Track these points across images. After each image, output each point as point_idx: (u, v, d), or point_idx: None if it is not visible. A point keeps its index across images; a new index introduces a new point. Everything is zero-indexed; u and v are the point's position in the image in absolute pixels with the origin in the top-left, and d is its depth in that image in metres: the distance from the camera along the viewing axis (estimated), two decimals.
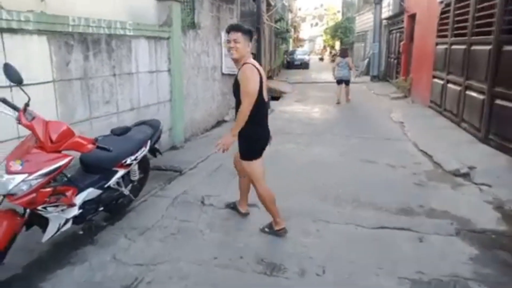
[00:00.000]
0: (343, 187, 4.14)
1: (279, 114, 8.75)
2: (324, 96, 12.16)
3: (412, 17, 11.33)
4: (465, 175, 4.54)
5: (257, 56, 9.71)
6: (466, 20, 6.64)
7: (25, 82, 2.43)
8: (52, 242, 2.79)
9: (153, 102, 5.16)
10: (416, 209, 3.64)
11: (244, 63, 2.76)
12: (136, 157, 3.07)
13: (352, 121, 8.17)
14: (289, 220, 3.25)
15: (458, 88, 6.96)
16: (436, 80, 8.43)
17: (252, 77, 2.70)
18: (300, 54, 30.65)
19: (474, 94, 6.21)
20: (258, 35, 9.94)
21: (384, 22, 16.20)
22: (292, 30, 41.25)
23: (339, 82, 10.70)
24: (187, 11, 6.44)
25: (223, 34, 7.61)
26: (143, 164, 3.50)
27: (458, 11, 7.10)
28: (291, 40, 41.20)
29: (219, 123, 7.66)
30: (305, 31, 64.72)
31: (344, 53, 11.06)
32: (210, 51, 7.14)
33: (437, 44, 8.38)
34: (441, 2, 8.12)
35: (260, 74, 2.78)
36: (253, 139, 2.90)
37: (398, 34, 13.79)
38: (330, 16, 51.84)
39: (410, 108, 9.46)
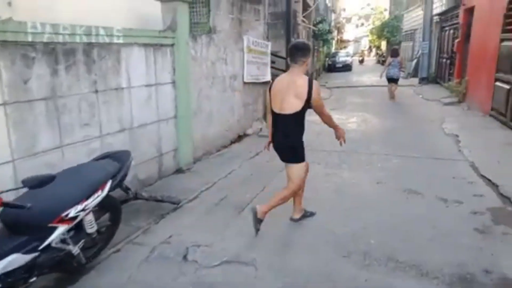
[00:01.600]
0: (375, 235, 3.13)
1: (308, 126, 7.70)
2: (364, 102, 10.94)
3: (470, 11, 9.84)
4: None
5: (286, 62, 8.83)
6: None
7: None
8: None
9: (151, 121, 4.46)
10: (479, 276, 2.57)
11: None
12: (86, 206, 2.32)
13: (394, 134, 6.99)
14: None
15: None
16: (499, 83, 7.03)
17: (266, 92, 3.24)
18: (342, 56, 29.16)
19: None
20: (287, 36, 9.04)
21: (436, 18, 14.57)
22: (335, 31, 39.78)
23: (390, 80, 11.01)
24: (201, 13, 5.72)
25: (245, 39, 6.83)
26: (110, 209, 2.76)
27: None
28: (334, 42, 39.77)
29: (240, 137, 6.85)
30: (350, 32, 62.42)
31: (395, 53, 11.38)
32: (229, 59, 6.35)
33: (502, 40, 6.99)
34: None
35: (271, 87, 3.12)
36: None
37: (451, 31, 12.20)
38: (377, 16, 49.40)
39: (466, 116, 8.06)
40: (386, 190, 4.21)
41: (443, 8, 13.28)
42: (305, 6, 15.36)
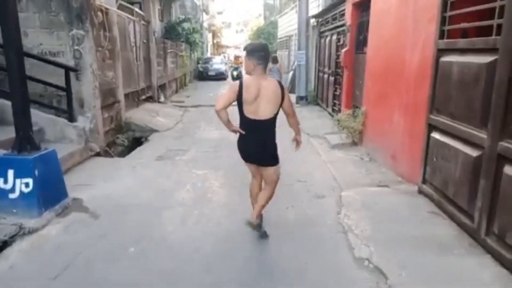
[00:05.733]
0: None
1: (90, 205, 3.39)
2: (221, 139, 6.94)
3: (362, 4, 6.65)
4: None
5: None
6: None
7: None
8: None
9: None
10: None
11: None
12: None
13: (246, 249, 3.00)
14: None
15: None
16: (438, 135, 3.66)
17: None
18: (216, 63, 25.47)
19: None
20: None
21: (313, 21, 11.59)
22: (209, 34, 36.12)
23: None
24: None
25: None
26: None
27: None
28: (209, 46, 36.10)
29: None
30: (229, 38, 60.00)
31: (274, 60, 12.33)
32: None
33: (441, 53, 3.61)
34: None
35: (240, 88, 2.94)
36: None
37: (334, 37, 9.09)
38: (254, 22, 47.61)
39: (374, 186, 4.54)
40: None
41: (321, 8, 10.27)
42: None
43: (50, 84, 5.44)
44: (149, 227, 3.54)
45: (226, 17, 59.49)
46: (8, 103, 4.16)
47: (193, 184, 4.64)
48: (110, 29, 6.70)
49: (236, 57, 20.35)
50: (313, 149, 6.35)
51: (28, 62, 5.44)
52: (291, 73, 14.50)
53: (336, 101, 8.77)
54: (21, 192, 3.63)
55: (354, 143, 6.24)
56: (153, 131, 7.58)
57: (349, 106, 7.29)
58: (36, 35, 5.53)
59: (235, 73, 18.40)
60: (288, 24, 17.59)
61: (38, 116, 5.57)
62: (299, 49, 11.70)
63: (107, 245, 3.24)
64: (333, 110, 8.90)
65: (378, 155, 5.40)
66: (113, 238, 3.37)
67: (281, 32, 20.45)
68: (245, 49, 3.09)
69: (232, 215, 3.79)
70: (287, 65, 17.14)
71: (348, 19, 7.50)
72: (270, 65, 12.44)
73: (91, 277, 2.79)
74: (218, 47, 43.49)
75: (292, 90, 13.27)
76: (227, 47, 56.54)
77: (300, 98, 11.43)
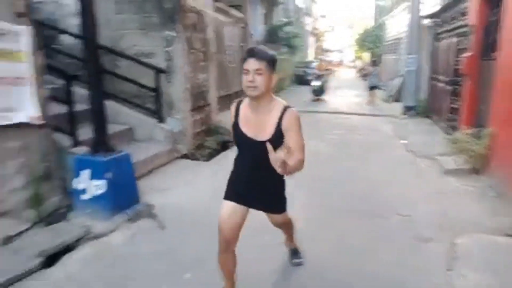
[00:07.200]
0: None
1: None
2: (310, 150, 6.29)
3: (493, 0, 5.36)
4: None
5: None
6: None
7: None
8: None
9: None
10: None
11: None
12: None
13: None
14: None
15: None
16: None
17: None
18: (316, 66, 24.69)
19: None
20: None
21: (427, 22, 10.13)
22: (312, 38, 35.49)
23: (371, 88, 13.13)
24: None
25: None
26: None
27: None
28: (312, 51, 35.46)
29: None
30: (333, 41, 58.39)
31: (374, 63, 15.25)
32: None
33: None
34: None
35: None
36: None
37: (453, 40, 7.67)
38: (360, 24, 45.40)
39: (503, 235, 3.40)
40: None
41: (439, 6, 8.85)
42: None
43: (142, 85, 5.48)
44: (214, 248, 3.13)
45: (331, 20, 58.00)
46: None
47: None
48: (204, 31, 6.60)
49: (323, 62, 15.96)
50: (419, 172, 5.30)
51: (124, 63, 5.63)
52: (398, 80, 13.07)
53: (452, 115, 7.36)
54: (94, 194, 3.56)
55: (475, 171, 5.00)
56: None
57: (470, 123, 5.96)
58: (131, 37, 5.65)
59: (316, 84, 13.44)
60: (398, 25, 16.01)
61: (129, 115, 5.68)
62: (409, 53, 10.35)
63: (163, 266, 2.92)
64: (447, 126, 7.51)
65: (509, 190, 4.16)
66: (173, 257, 3.05)
67: (389, 34, 18.81)
68: (261, 55, 2.00)
69: (303, 243, 3.15)
70: (393, 70, 15.59)
71: (472, 17, 6.16)
72: (370, 68, 13.62)
73: None
74: (320, 51, 42.53)
75: (398, 99, 11.94)
76: (330, 50, 55.11)
77: (407, 109, 10.09)
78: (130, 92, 5.68)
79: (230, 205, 2.29)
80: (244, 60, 2.02)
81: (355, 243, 3.24)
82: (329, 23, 57.09)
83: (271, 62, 2.02)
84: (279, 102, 2.13)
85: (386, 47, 19.61)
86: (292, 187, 4.39)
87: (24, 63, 3.20)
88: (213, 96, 7.47)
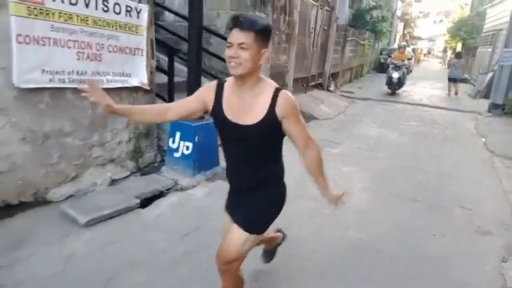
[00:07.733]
0: None
1: None
2: (382, 137, 6.34)
3: None
4: None
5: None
6: None
7: None
8: None
9: None
10: None
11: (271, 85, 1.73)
12: None
13: None
14: None
15: None
16: None
17: None
18: None
19: None
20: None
21: None
22: (401, 24, 33.49)
23: (451, 80, 12.87)
24: None
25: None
26: None
27: None
28: (397, 36, 33.52)
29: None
30: (424, 29, 54.24)
31: (458, 55, 13.70)
32: None
33: None
34: None
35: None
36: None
37: None
38: (457, 12, 41.41)
39: None
40: None
41: None
42: None
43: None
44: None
45: (425, 6, 53.72)
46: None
47: (333, 180, 4.39)
48: (291, 13, 6.90)
49: (402, 49, 13.26)
50: (493, 171, 5.15)
51: (215, 41, 6.20)
52: (489, 74, 12.09)
53: None
54: (183, 153, 4.19)
55: None
56: (312, 118, 7.59)
57: None
58: (226, 16, 6.17)
59: (395, 75, 11.86)
60: (498, 16, 14.58)
61: None
62: (506, 46, 9.56)
63: None
64: None
65: None
66: None
67: (488, 25, 17.17)
68: (248, 25, 1.58)
69: (365, 224, 3.43)
70: (487, 64, 14.37)
71: None
72: (454, 60, 13.19)
73: (210, 244, 2.97)
74: (410, 39, 39.95)
75: (487, 95, 11.11)
76: (420, 38, 51.42)
77: (494, 106, 9.43)
78: (218, 68, 6.26)
79: (226, 220, 2.00)
80: (228, 30, 1.63)
81: (415, 227, 3.43)
82: (423, 8, 53.00)
83: (262, 34, 1.61)
84: (269, 83, 1.75)
85: (483, 39, 17.96)
86: (358, 170, 4.65)
87: (142, 36, 3.85)
88: (290, 77, 7.81)
